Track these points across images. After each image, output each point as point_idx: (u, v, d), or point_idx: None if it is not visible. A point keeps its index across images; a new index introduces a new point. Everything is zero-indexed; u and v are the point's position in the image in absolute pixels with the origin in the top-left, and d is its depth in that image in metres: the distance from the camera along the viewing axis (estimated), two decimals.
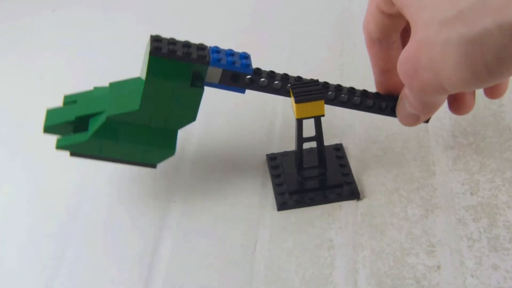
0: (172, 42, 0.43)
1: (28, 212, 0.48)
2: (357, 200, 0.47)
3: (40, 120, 0.56)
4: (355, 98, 0.46)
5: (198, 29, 0.66)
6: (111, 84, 0.47)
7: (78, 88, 0.60)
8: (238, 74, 0.44)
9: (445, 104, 0.54)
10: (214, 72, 0.44)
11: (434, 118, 0.53)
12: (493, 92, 0.43)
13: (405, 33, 0.42)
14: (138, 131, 0.44)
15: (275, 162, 0.49)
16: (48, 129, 0.46)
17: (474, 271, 0.42)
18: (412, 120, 0.43)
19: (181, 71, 0.43)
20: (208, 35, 0.65)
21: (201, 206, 0.48)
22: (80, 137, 0.45)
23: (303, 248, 0.44)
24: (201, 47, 0.44)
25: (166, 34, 0.66)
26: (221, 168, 0.50)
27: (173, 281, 0.43)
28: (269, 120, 0.54)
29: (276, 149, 0.51)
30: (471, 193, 0.47)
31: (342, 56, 0.61)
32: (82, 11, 0.70)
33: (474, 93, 0.44)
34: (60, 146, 0.45)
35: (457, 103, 0.44)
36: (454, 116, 0.53)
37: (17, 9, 0.71)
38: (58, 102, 0.58)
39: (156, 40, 0.43)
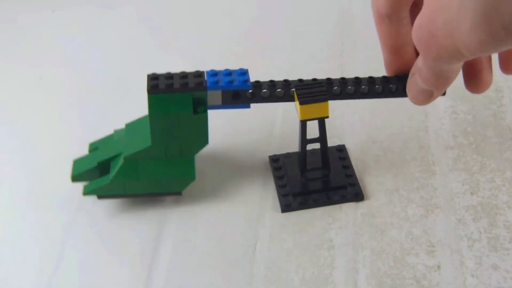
0: (168, 76, 0.45)
1: (27, 212, 0.48)
2: (362, 201, 0.47)
3: (40, 120, 0.57)
4: (363, 87, 0.45)
5: (198, 29, 0.66)
6: (127, 125, 0.49)
7: (78, 88, 0.60)
8: (238, 91, 0.45)
9: (446, 104, 0.54)
10: (214, 95, 0.45)
11: (434, 118, 0.53)
12: (510, 65, 0.41)
13: (415, 9, 0.41)
14: (156, 165, 0.46)
15: (277, 163, 0.49)
16: (75, 178, 0.48)
17: (474, 271, 0.42)
18: (425, 96, 0.42)
19: (181, 101, 0.44)
20: (208, 35, 0.66)
21: (201, 206, 0.48)
22: (103, 181, 0.47)
23: (303, 248, 0.44)
24: (197, 75, 0.45)
25: (166, 33, 0.66)
26: (221, 168, 0.50)
27: (173, 281, 0.43)
28: (269, 121, 0.54)
29: (276, 150, 0.51)
30: (471, 193, 0.47)
31: (342, 56, 0.61)
32: (82, 11, 0.70)
33: (491, 69, 0.42)
34: (86, 192, 0.47)
35: (474, 80, 0.42)
36: (454, 116, 0.53)
37: (17, 9, 0.71)
38: (58, 102, 0.59)
39: (153, 79, 0.45)
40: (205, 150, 0.48)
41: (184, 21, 0.68)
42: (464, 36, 0.33)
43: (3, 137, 0.55)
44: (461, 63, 0.39)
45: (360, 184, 0.48)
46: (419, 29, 0.36)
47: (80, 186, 0.49)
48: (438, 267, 0.42)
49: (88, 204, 0.48)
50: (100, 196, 0.47)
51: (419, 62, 0.40)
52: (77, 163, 0.49)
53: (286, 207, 0.47)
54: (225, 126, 0.53)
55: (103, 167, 0.48)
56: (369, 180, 0.48)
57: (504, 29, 0.31)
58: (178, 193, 0.47)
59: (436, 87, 0.41)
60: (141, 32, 0.67)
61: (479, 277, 0.41)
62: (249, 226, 0.46)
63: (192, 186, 0.48)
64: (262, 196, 0.48)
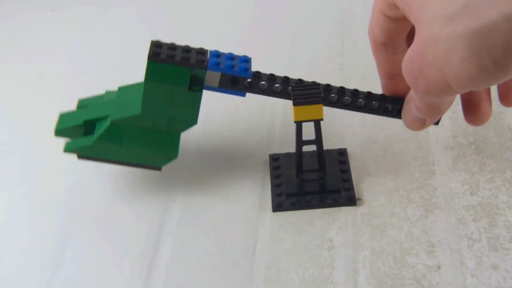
0: (172, 47, 0.44)
1: (28, 212, 0.48)
2: (354, 205, 0.47)
3: (40, 120, 0.57)
4: (359, 100, 0.45)
5: (198, 29, 0.66)
6: (120, 88, 0.48)
7: (78, 88, 0.60)
8: (237, 78, 0.44)
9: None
10: (213, 76, 0.44)
11: None
12: (509, 98, 0.41)
13: (411, 37, 0.41)
14: (141, 134, 0.46)
15: (277, 162, 0.49)
16: (58, 132, 0.47)
17: (474, 271, 0.42)
18: (418, 124, 0.42)
19: (179, 75, 0.44)
20: (208, 35, 0.65)
21: (201, 206, 0.48)
22: (86, 141, 0.46)
23: (303, 248, 0.44)
24: (200, 52, 0.44)
25: (166, 33, 0.66)
26: (221, 168, 0.50)
27: (173, 281, 0.43)
28: (272, 120, 0.54)
29: (279, 149, 0.51)
30: (471, 193, 0.47)
31: (342, 56, 0.61)
32: (82, 11, 0.70)
33: (490, 101, 0.42)
34: (67, 149, 0.46)
35: (473, 112, 0.43)
36: (454, 116, 0.53)
37: (17, 9, 0.71)
38: (58, 102, 0.58)
39: (156, 46, 0.44)
40: (204, 149, 0.48)
41: (184, 21, 0.68)
42: (453, 70, 0.33)
43: (3, 137, 0.55)
44: (452, 97, 0.39)
45: (360, 184, 0.48)
46: (409, 63, 0.36)
47: (78, 186, 0.49)
48: (438, 267, 0.42)
49: (88, 204, 0.48)
50: (80, 156, 0.46)
51: (412, 91, 0.41)
52: (63, 117, 0.48)
53: (277, 207, 0.47)
54: (226, 123, 0.53)
55: (89, 127, 0.47)
56: (369, 180, 0.48)
57: (494, 63, 0.31)
58: (157, 168, 0.47)
59: (429, 116, 0.41)
60: (141, 32, 0.67)
61: (479, 277, 0.41)
62: (249, 226, 0.46)
63: (192, 186, 0.48)
64: (262, 196, 0.48)
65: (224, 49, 0.63)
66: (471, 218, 0.45)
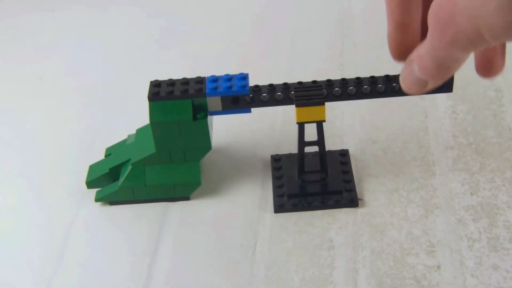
0: (170, 83, 0.46)
1: (28, 212, 0.48)
2: (356, 207, 0.47)
3: (40, 120, 0.57)
4: (364, 87, 0.45)
5: (199, 30, 0.66)
6: (138, 130, 0.50)
7: (78, 88, 0.60)
8: (237, 97, 0.45)
9: (446, 104, 0.54)
10: (214, 101, 0.45)
11: (434, 118, 0.53)
12: None
13: None
14: (162, 171, 0.47)
15: (278, 163, 0.49)
16: (89, 184, 0.49)
17: (474, 271, 0.42)
18: (419, 86, 0.39)
19: (181, 108, 0.45)
20: (209, 36, 0.66)
21: (201, 206, 0.48)
22: (112, 188, 0.48)
23: (303, 248, 0.44)
24: (198, 81, 0.46)
25: (165, 33, 0.66)
26: (222, 168, 0.50)
27: (173, 281, 0.43)
28: (273, 120, 0.54)
29: (280, 149, 0.51)
30: (471, 193, 0.47)
31: (342, 56, 0.61)
32: (82, 11, 0.70)
33: (504, 54, 0.41)
34: (98, 199, 0.48)
35: (486, 64, 0.39)
36: (454, 116, 0.53)
37: (17, 9, 0.71)
38: (58, 102, 0.59)
39: (155, 86, 0.46)
40: None
41: (184, 21, 0.68)
42: (488, 17, 0.31)
43: (3, 137, 0.55)
44: (468, 55, 0.37)
45: (360, 184, 0.48)
46: (438, 9, 0.33)
47: (79, 186, 0.49)
48: (438, 267, 0.42)
49: (87, 204, 0.48)
50: (111, 202, 0.48)
51: (421, 48, 0.39)
52: (92, 169, 0.50)
53: (279, 208, 0.47)
54: (228, 124, 0.53)
55: (115, 173, 0.49)
56: (369, 180, 0.48)
57: None
58: (186, 197, 0.48)
59: (434, 77, 0.39)
60: (140, 32, 0.67)
61: (479, 277, 0.41)
62: (249, 226, 0.46)
63: None
64: (263, 196, 0.48)
65: (225, 49, 0.63)
66: (471, 218, 0.45)
